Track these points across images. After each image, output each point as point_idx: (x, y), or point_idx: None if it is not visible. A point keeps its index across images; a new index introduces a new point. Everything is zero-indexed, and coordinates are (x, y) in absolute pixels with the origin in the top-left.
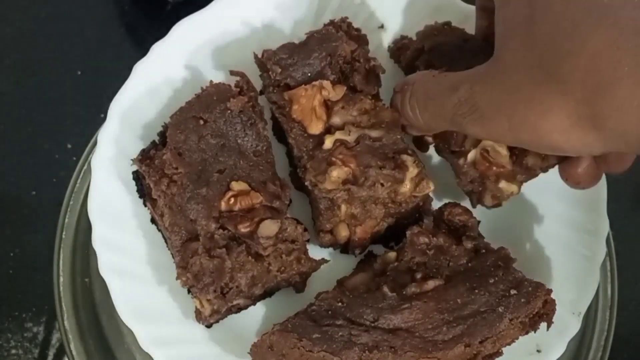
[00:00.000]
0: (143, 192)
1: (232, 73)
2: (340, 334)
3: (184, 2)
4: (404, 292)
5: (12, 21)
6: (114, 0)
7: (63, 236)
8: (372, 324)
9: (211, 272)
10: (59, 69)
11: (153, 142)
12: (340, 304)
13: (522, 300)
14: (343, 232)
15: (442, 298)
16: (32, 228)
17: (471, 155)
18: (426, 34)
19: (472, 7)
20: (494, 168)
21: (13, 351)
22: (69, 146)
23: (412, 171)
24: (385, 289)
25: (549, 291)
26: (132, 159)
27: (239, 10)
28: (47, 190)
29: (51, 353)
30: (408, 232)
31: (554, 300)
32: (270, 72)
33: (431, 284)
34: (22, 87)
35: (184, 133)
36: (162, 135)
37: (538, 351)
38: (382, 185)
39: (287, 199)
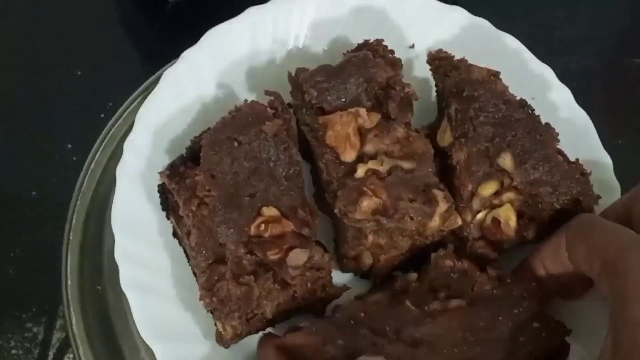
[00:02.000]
0: (167, 206)
1: (267, 93)
2: (363, 343)
3: (184, 2)
4: (427, 309)
5: (12, 21)
6: (114, 0)
7: (70, 238)
8: (395, 336)
9: (238, 299)
10: (59, 69)
11: (181, 157)
12: (363, 314)
13: (543, 335)
14: (367, 261)
15: (465, 318)
16: (32, 228)
17: (480, 216)
18: (471, 77)
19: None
20: (498, 235)
21: (13, 351)
22: (69, 146)
23: (442, 206)
24: (408, 303)
25: (568, 332)
26: (159, 173)
27: (271, 24)
28: (47, 190)
29: (51, 353)
30: (433, 255)
31: (568, 344)
32: (305, 95)
33: (455, 303)
34: (22, 87)
35: (218, 154)
36: (191, 150)
37: None
38: (412, 218)
39: (316, 226)
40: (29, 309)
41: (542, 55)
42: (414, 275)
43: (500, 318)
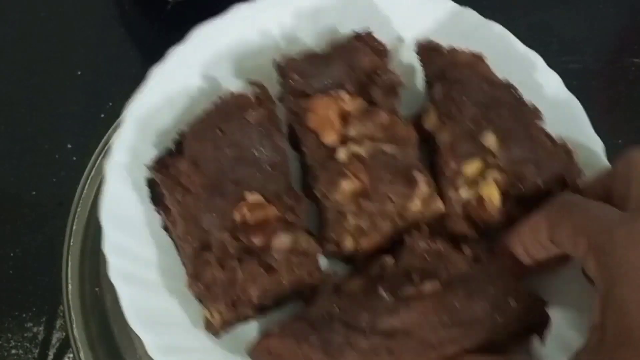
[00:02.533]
0: (156, 199)
1: (252, 83)
2: (338, 339)
3: (184, 2)
4: (401, 295)
5: (12, 21)
6: (114, 0)
7: (71, 244)
8: (370, 328)
9: (223, 283)
10: (59, 69)
11: (168, 150)
12: (337, 309)
13: (520, 311)
14: (348, 244)
15: (440, 301)
16: (32, 228)
17: (464, 194)
18: (455, 60)
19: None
20: (482, 214)
21: (13, 351)
22: (69, 146)
23: (424, 190)
24: (381, 291)
25: (546, 304)
26: (146, 166)
27: (257, 18)
28: (47, 190)
29: (51, 353)
30: (407, 238)
31: (548, 316)
32: (289, 80)
33: (429, 286)
34: (22, 87)
35: (201, 143)
36: (177, 143)
37: None
38: (392, 201)
39: (301, 212)
40: (29, 309)
41: (542, 55)
42: (390, 260)
43: (476, 298)
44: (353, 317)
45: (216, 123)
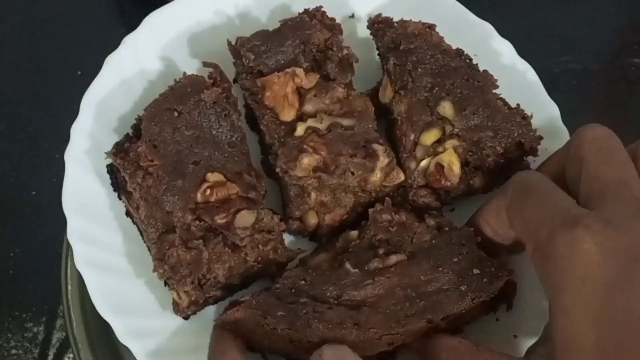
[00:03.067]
0: (117, 186)
1: (205, 65)
2: (304, 311)
3: None
4: (367, 268)
5: (12, 21)
6: (114, 0)
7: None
8: (336, 301)
9: (188, 263)
10: (59, 69)
11: (127, 135)
12: (303, 282)
13: (485, 280)
14: (312, 220)
15: (405, 274)
16: (32, 228)
17: (424, 163)
18: (406, 31)
19: (452, 4)
20: (443, 182)
21: (13, 351)
22: None
23: (383, 161)
24: (348, 265)
25: (511, 272)
26: (106, 152)
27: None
28: (47, 190)
29: (51, 353)
30: (370, 210)
31: (515, 283)
32: (243, 59)
33: (394, 259)
34: (22, 87)
35: (158, 125)
36: (136, 128)
37: (515, 336)
38: (353, 173)
39: (262, 189)
40: (29, 309)
41: (542, 55)
42: (354, 234)
43: (440, 268)
44: (319, 290)
45: (172, 105)
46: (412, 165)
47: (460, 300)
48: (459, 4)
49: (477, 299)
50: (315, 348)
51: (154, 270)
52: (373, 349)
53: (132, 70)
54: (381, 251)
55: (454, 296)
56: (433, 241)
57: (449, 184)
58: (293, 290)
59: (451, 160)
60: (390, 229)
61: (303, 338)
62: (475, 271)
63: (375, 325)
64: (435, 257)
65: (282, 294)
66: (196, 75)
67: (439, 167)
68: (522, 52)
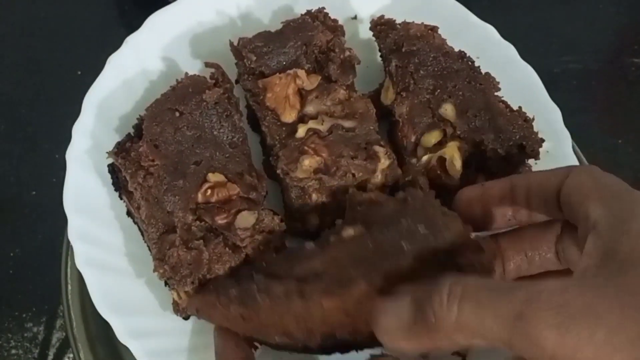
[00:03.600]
0: (119, 185)
1: (207, 65)
2: (254, 287)
3: None
4: (325, 243)
5: (12, 21)
6: (114, 0)
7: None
8: (286, 275)
9: (189, 263)
10: (59, 69)
11: (129, 135)
12: (263, 263)
13: (431, 237)
14: (313, 221)
15: (357, 243)
16: (32, 228)
17: (426, 158)
18: (409, 33)
19: (454, 6)
20: (443, 177)
21: (13, 351)
22: None
23: (384, 162)
24: (307, 243)
25: (469, 229)
26: (107, 152)
27: (214, 0)
28: (47, 190)
29: (51, 353)
30: (347, 195)
31: (475, 242)
32: (245, 60)
33: (349, 231)
34: (22, 87)
35: (159, 125)
36: (138, 127)
37: None
38: (354, 175)
39: (263, 190)
40: (29, 309)
41: (542, 55)
42: (338, 222)
43: (386, 231)
44: (274, 268)
45: (173, 105)
46: (414, 160)
47: (401, 258)
48: (461, 6)
49: (421, 255)
50: (266, 327)
51: (154, 270)
52: (319, 325)
53: (134, 70)
54: (339, 225)
55: (393, 253)
56: (394, 213)
57: (450, 180)
58: (252, 273)
59: (453, 155)
60: (359, 207)
61: (253, 314)
62: (421, 229)
63: (317, 292)
64: (392, 228)
65: (242, 277)
66: (198, 76)
67: (441, 161)
68: (522, 52)
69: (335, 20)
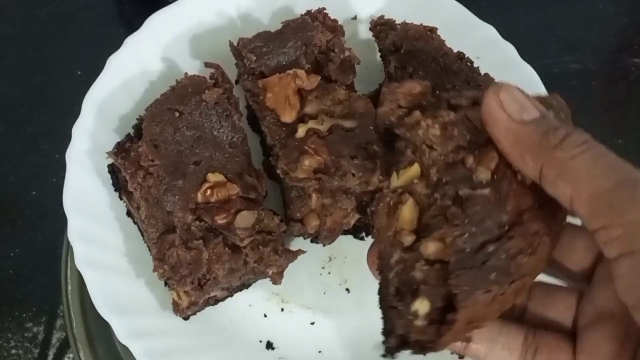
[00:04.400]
0: (119, 185)
1: (207, 65)
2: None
3: None
4: None
5: (12, 21)
6: (114, 0)
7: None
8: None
9: (188, 263)
10: (59, 69)
11: (128, 135)
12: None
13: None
14: (313, 222)
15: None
16: (32, 228)
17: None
18: (408, 34)
19: (454, 7)
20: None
21: (13, 351)
22: None
23: None
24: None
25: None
26: (107, 152)
27: (214, 1)
28: (47, 190)
29: (51, 353)
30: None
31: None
32: (245, 60)
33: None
34: (22, 87)
35: (159, 125)
36: (137, 128)
37: None
38: (354, 175)
39: (263, 190)
40: (29, 309)
41: (542, 55)
42: None
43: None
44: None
45: (173, 105)
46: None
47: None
48: (461, 6)
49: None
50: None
51: (154, 270)
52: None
53: (134, 70)
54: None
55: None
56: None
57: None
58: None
59: None
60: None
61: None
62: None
63: None
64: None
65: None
66: (198, 76)
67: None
68: (522, 52)
69: (335, 21)
